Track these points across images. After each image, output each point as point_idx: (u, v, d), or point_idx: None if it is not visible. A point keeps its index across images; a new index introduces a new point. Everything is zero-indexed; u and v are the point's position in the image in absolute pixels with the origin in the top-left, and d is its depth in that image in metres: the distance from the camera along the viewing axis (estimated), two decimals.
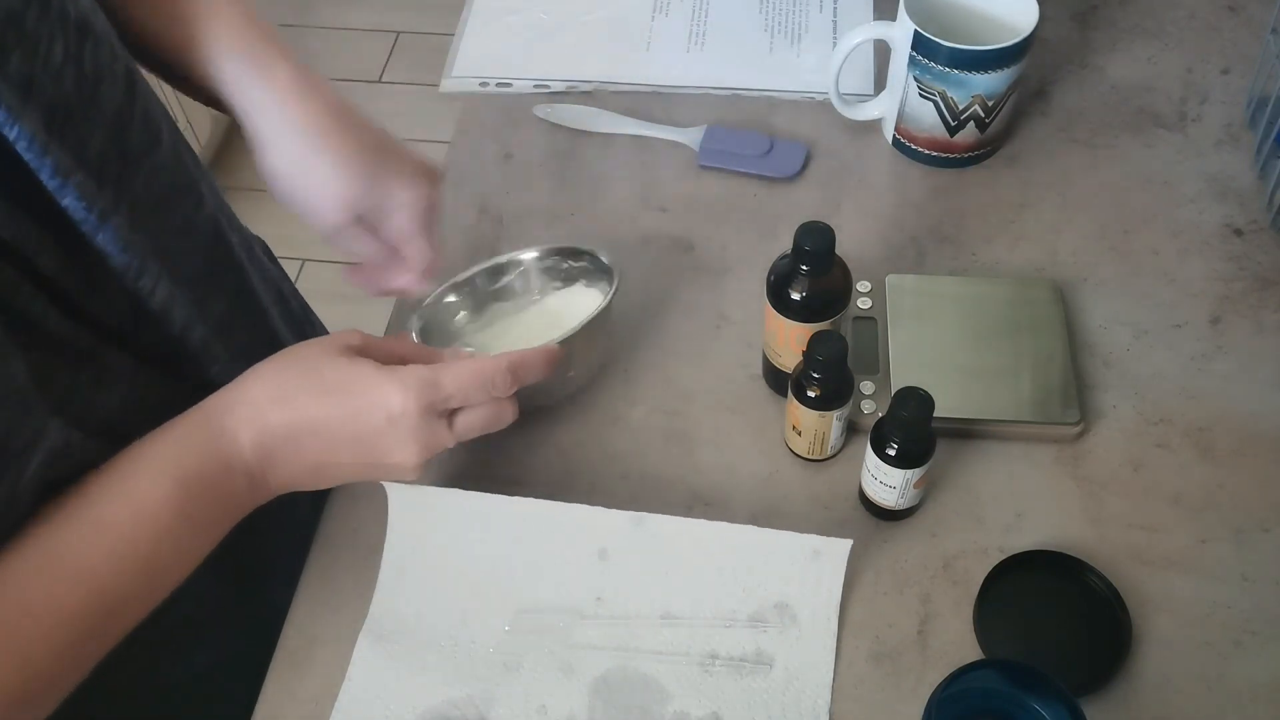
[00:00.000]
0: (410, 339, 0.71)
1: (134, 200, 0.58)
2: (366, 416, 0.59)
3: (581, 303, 0.77)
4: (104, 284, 0.57)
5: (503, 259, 0.79)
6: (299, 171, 0.65)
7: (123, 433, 0.58)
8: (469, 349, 0.68)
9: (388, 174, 0.66)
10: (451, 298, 0.77)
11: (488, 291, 0.78)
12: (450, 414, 0.62)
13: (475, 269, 0.78)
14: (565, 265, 0.79)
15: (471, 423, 0.62)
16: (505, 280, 0.79)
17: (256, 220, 0.86)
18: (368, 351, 0.62)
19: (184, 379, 0.63)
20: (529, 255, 0.79)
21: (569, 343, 0.68)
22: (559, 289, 0.79)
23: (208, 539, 0.59)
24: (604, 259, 0.76)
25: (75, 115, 0.54)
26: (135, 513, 0.55)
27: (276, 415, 0.58)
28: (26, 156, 0.51)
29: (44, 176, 0.52)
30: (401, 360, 0.62)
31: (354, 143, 0.65)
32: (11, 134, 0.50)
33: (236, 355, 0.67)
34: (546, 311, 0.78)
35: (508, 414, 0.64)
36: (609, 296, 0.72)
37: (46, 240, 0.53)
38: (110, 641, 0.56)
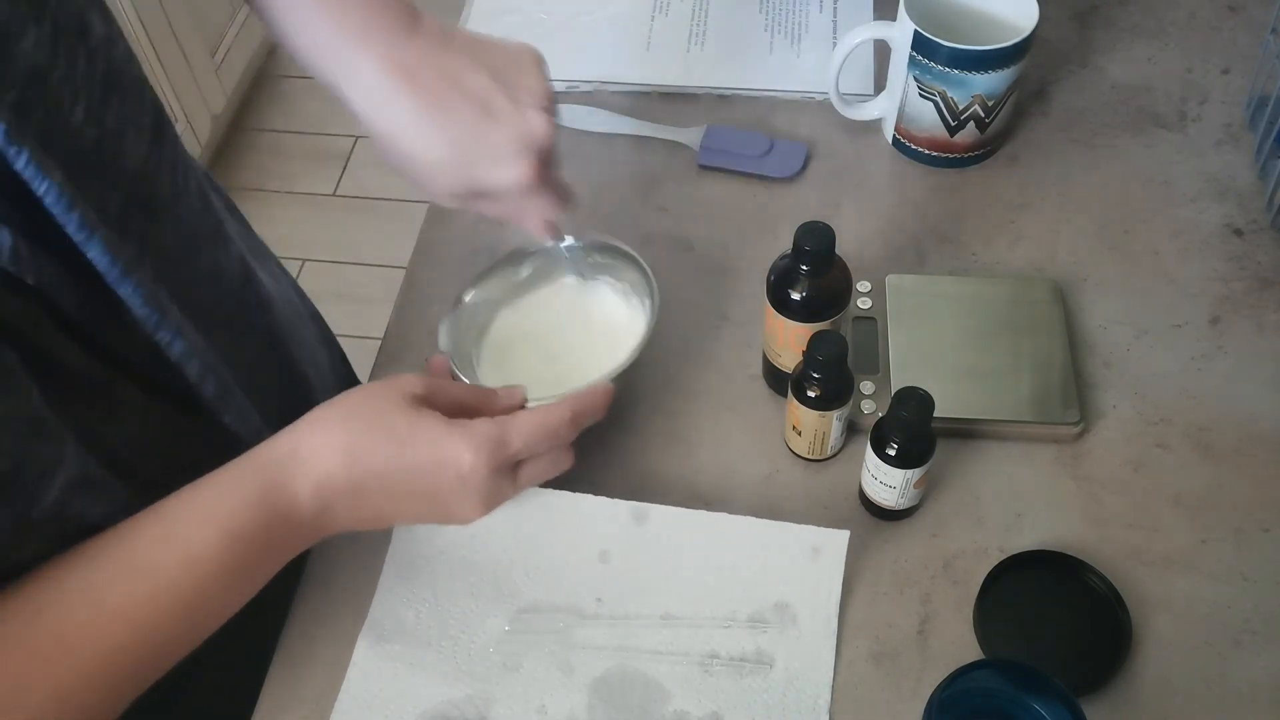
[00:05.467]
0: (447, 364, 0.71)
1: (159, 249, 0.58)
2: (436, 474, 0.59)
3: (609, 299, 0.77)
4: (124, 323, 0.57)
5: (526, 245, 0.78)
6: (398, 168, 0.66)
7: (130, 468, 0.57)
8: (521, 386, 0.67)
9: (478, 164, 0.65)
10: (471, 296, 0.76)
11: (513, 282, 0.78)
12: (515, 466, 0.62)
13: (496, 260, 0.77)
14: (592, 259, 0.77)
15: (535, 474, 0.64)
16: (527, 269, 0.78)
17: (257, 221, 0.86)
18: (432, 401, 0.61)
19: (196, 417, 0.63)
20: (554, 242, 0.77)
21: (622, 376, 0.68)
22: (585, 280, 0.78)
23: (254, 585, 0.59)
24: (643, 264, 0.75)
25: (94, 172, 0.53)
26: (182, 560, 0.55)
27: (340, 467, 0.58)
28: (54, 210, 0.51)
29: (70, 229, 0.51)
30: (462, 407, 0.62)
31: (439, 142, 0.64)
32: (40, 188, 0.50)
33: (260, 399, 0.66)
34: (576, 304, 0.77)
35: (568, 460, 0.66)
36: (653, 314, 0.71)
37: (69, 281, 0.53)
38: (148, 681, 0.55)
